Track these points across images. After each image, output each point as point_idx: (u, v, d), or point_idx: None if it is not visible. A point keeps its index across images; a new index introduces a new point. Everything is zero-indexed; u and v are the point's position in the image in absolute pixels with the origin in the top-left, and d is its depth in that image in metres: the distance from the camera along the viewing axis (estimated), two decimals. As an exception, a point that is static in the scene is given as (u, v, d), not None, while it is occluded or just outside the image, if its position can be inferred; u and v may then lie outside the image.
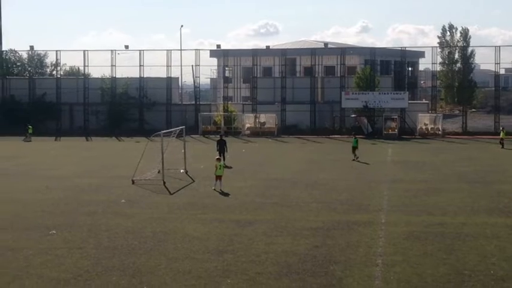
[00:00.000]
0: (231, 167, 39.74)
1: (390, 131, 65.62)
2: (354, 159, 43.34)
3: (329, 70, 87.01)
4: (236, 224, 23.68)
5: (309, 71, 76.77)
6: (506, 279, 17.08)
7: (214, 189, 31.01)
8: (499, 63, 69.21)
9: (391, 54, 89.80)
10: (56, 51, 78.00)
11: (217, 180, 31.37)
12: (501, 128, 54.51)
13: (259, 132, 67.97)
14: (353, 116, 69.05)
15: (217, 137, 43.23)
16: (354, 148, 44.24)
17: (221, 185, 31.20)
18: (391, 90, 71.14)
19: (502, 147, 51.97)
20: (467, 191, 30.77)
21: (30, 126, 64.29)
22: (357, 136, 46.28)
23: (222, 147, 41.11)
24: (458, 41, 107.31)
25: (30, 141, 61.99)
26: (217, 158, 32.45)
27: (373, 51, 77.02)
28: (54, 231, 22.57)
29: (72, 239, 21.55)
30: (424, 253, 19.56)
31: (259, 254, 19.54)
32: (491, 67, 73.53)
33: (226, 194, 30.18)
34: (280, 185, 33.30)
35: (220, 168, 31.50)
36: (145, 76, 75.05)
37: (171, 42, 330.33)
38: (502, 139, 52.99)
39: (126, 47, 76.03)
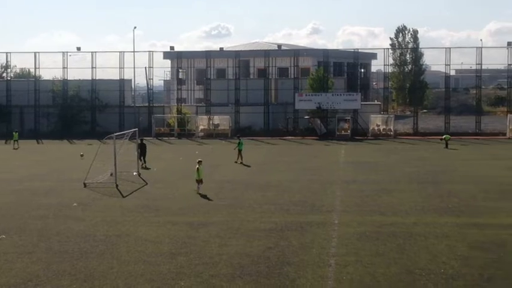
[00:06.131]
0: (149, 168, 40.22)
1: (343, 132, 66.13)
2: (236, 161, 43.09)
3: (282, 72, 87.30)
4: (189, 226, 23.60)
5: (263, 73, 76.96)
6: (456, 277, 17.34)
7: (199, 193, 30.74)
8: (449, 65, 70.31)
9: (343, 56, 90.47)
10: (6, 53, 77.04)
11: (199, 184, 31.24)
12: (443, 137, 55.40)
13: (213, 134, 67.85)
14: (306, 117, 69.41)
15: (138, 141, 42.20)
16: (240, 151, 43.67)
17: (199, 188, 31.10)
18: (343, 92, 71.82)
19: (446, 146, 53.06)
20: (418, 191, 31.17)
21: (15, 132, 60.10)
22: (241, 138, 45.81)
23: (143, 150, 41.50)
24: (408, 43, 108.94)
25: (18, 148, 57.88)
26: (198, 161, 32.11)
27: (326, 52, 77.46)
28: (4, 236, 22.21)
29: (23, 244, 21.22)
30: (376, 253, 19.75)
31: (213, 256, 19.50)
32: (442, 68, 74.76)
33: (204, 196, 30.01)
34: (233, 186, 33.30)
35: (198, 172, 31.32)
36: (97, 78, 74.29)
37: (123, 44, 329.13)
38: (446, 142, 53.87)
39: (78, 48, 75.15)
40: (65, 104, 73.43)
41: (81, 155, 44.98)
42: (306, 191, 31.46)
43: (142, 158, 41.63)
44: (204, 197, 29.98)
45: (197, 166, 31.51)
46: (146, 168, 40.67)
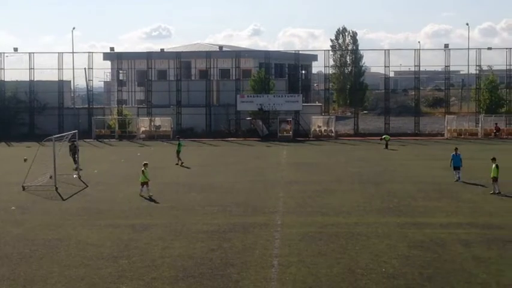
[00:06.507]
0: (81, 169, 39.14)
1: (285, 133, 66.46)
2: (177, 164, 42.89)
3: (224, 73, 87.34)
4: (131, 229, 23.38)
5: (204, 74, 76.74)
6: (397, 276, 17.60)
7: (142, 196, 30.41)
8: (389, 67, 71.29)
9: (285, 58, 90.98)
10: None
11: (143, 187, 30.72)
12: (383, 137, 56.14)
13: (154, 135, 67.38)
14: (248, 118, 69.54)
15: (75, 143, 41.70)
16: (178, 152, 43.65)
17: (147, 191, 30.54)
18: (285, 93, 72.13)
19: (386, 147, 53.80)
20: (360, 192, 31.52)
21: None
22: (180, 139, 45.98)
23: (75, 152, 41.02)
24: (348, 45, 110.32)
25: None
26: (144, 164, 31.71)
27: (267, 54, 77.80)
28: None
29: (-41, 249, 20.72)
30: (319, 253, 19.90)
31: (155, 258, 19.37)
32: (381, 70, 75.71)
33: (152, 200, 29.61)
34: (175, 188, 33.13)
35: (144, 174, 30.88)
36: (35, 79, 72.92)
37: (61, 45, 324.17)
38: (386, 142, 54.61)
39: (15, 49, 73.71)
40: (2, 106, 71.86)
41: (25, 160, 44.04)
42: (249, 193, 31.50)
43: (76, 159, 40.57)
44: (146, 199, 29.76)
45: (142, 168, 31.20)
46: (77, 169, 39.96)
